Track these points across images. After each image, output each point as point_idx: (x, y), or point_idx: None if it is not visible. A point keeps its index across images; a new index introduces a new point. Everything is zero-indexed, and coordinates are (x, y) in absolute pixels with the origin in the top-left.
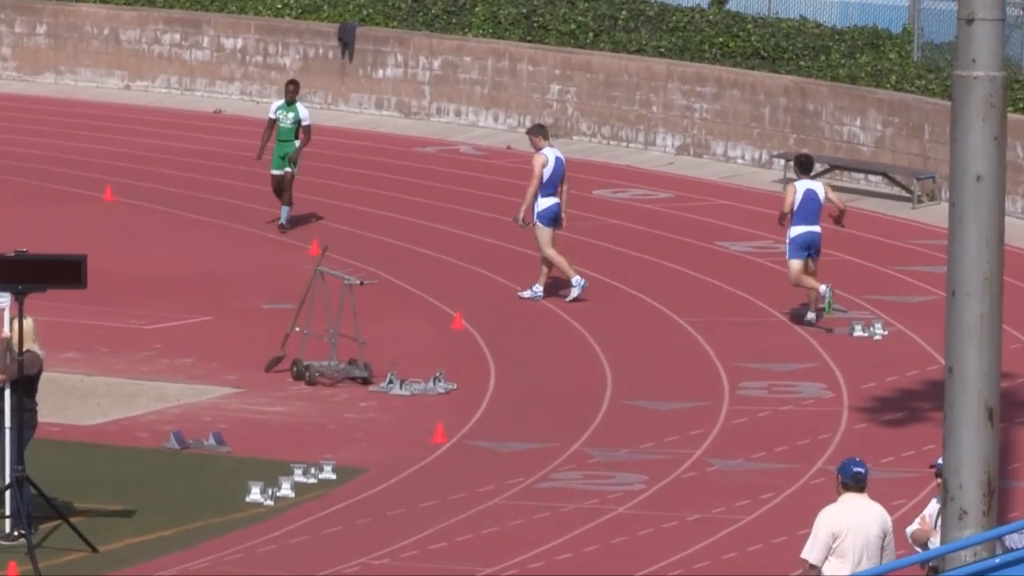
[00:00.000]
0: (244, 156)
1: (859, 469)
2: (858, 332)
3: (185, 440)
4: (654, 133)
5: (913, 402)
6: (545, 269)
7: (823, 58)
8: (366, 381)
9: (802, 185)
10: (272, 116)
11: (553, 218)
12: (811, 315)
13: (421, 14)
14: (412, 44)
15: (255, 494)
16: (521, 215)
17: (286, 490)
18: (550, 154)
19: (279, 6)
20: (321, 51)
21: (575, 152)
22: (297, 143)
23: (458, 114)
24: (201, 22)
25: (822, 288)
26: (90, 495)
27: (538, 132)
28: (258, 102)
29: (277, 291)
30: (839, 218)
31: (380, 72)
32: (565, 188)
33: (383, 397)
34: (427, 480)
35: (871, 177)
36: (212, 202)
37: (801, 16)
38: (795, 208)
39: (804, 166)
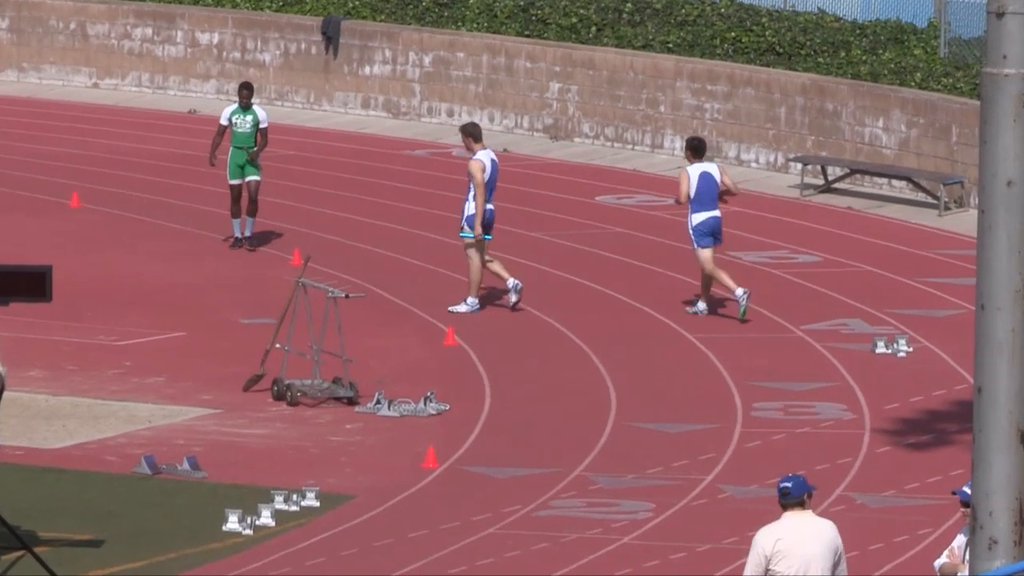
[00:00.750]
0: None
1: (785, 484)
2: (880, 349)
3: (157, 465)
4: (661, 135)
5: (940, 424)
6: (476, 279)
7: (843, 54)
8: (352, 401)
9: (696, 169)
10: (224, 122)
11: (486, 225)
12: (702, 305)
13: (411, 7)
14: (401, 39)
15: (232, 523)
16: (476, 231)
17: (266, 518)
18: (486, 158)
19: None
20: (303, 47)
21: (576, 155)
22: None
23: (451, 114)
24: (175, 16)
25: (739, 292)
26: (55, 523)
27: (471, 132)
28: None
29: (256, 304)
30: (723, 194)
31: (367, 69)
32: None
33: (370, 419)
34: (417, 508)
35: (895, 182)
36: (186, 209)
37: (820, 9)
38: (692, 194)
39: (697, 149)
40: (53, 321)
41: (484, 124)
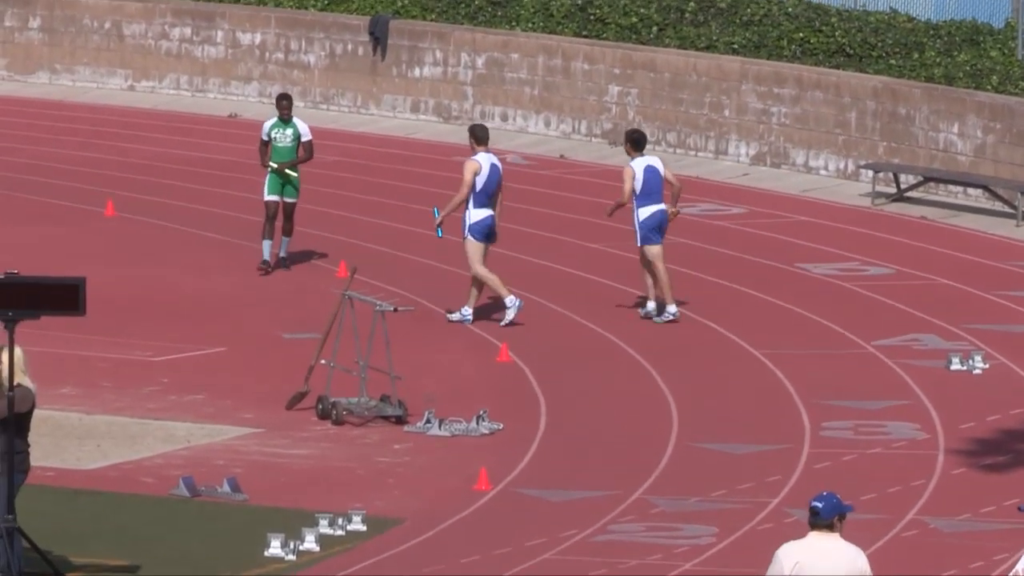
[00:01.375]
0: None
1: (816, 503)
2: (955, 365)
3: (196, 486)
4: (726, 140)
5: (1017, 444)
6: (475, 290)
7: (916, 56)
8: (400, 420)
9: (640, 163)
10: (265, 137)
11: (487, 233)
12: (651, 305)
13: (463, 5)
14: (452, 39)
15: (275, 548)
16: (438, 220)
17: (310, 543)
18: (485, 160)
19: None
20: (350, 47)
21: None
22: (293, 160)
23: (504, 118)
24: (215, 15)
25: (671, 308)
26: (89, 548)
27: (474, 133)
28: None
29: (300, 319)
30: (674, 201)
31: (416, 71)
32: (500, 199)
33: (419, 438)
34: (469, 533)
35: (970, 191)
36: (227, 218)
37: (892, 9)
38: (639, 188)
39: (638, 143)
40: (87, 336)
41: (539, 129)
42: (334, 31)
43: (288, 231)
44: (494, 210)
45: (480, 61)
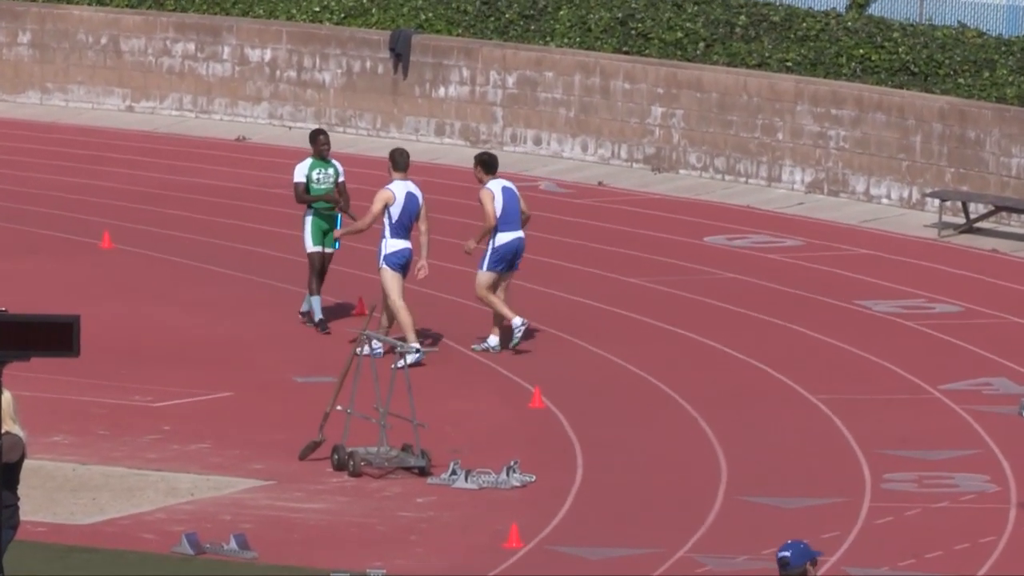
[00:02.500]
0: (273, 194)
1: (784, 553)
2: None
3: (201, 544)
4: (779, 166)
5: None
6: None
7: (987, 75)
8: (424, 472)
9: (498, 185)
10: (301, 179)
11: (403, 264)
12: (494, 340)
13: (492, 19)
14: (481, 56)
15: None
16: (337, 234)
17: None
18: (400, 189)
19: (316, 9)
20: (369, 64)
21: (682, 189)
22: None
23: (538, 142)
24: (221, 29)
25: (516, 321)
26: None
27: (395, 158)
28: (290, 127)
29: (313, 361)
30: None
31: (441, 91)
32: (425, 230)
33: (444, 491)
34: None
35: None
36: (234, 251)
37: (960, 23)
38: (498, 212)
39: (489, 164)
40: (81, 379)
41: (576, 154)
42: (351, 47)
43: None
44: (413, 242)
45: (511, 80)
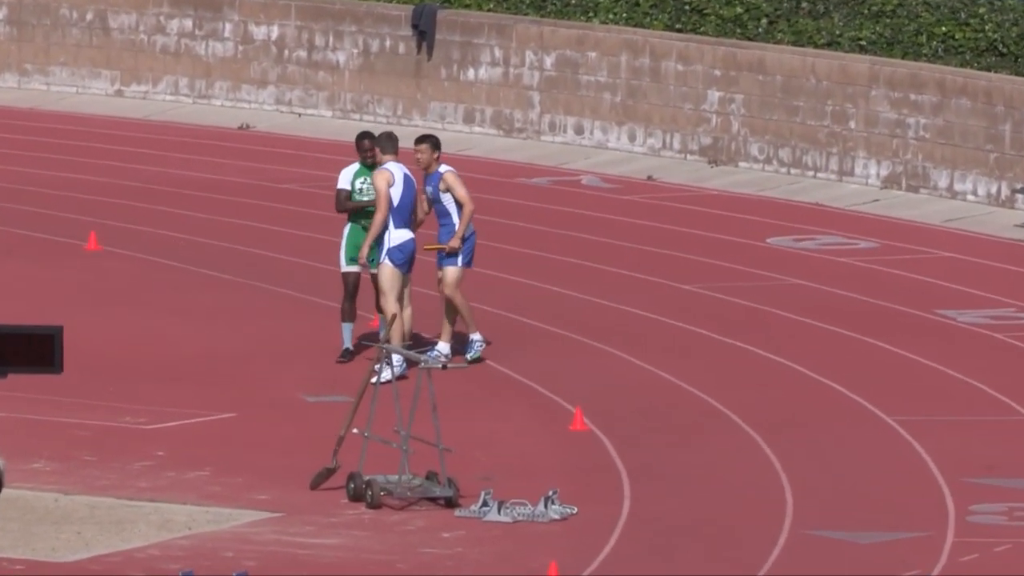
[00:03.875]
0: (280, 189)
1: None
2: None
3: None
4: (851, 158)
5: None
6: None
7: None
8: (451, 503)
9: (399, 169)
10: (346, 186)
11: (408, 259)
12: (444, 346)
13: None
14: (515, 34)
15: None
16: (364, 256)
17: None
18: (397, 171)
19: None
20: (388, 43)
21: (741, 184)
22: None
23: (579, 131)
24: (221, 4)
25: (477, 336)
26: None
27: (382, 143)
28: (300, 114)
29: (326, 378)
30: (463, 225)
31: (470, 73)
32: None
33: (474, 525)
34: None
35: None
36: (236, 254)
37: None
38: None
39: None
40: (64, 398)
41: (622, 144)
42: (369, 23)
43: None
44: (414, 232)
45: (549, 61)
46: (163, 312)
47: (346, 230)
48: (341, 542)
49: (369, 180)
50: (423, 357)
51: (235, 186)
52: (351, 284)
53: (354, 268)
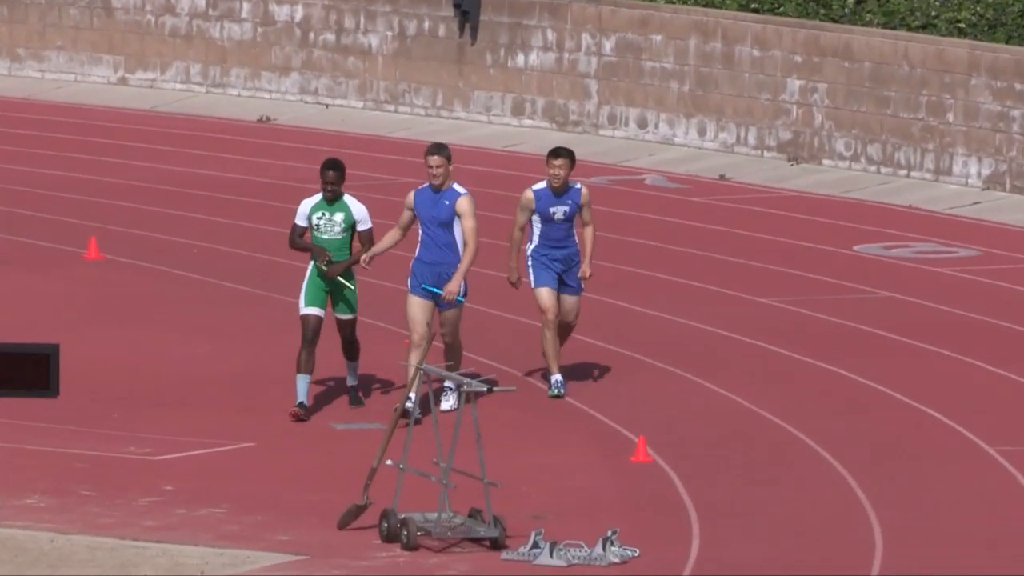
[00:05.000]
0: (304, 190)
1: None
2: None
3: None
4: (949, 155)
5: None
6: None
7: None
8: (497, 544)
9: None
10: (302, 223)
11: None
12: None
13: None
14: (570, 14)
15: None
16: (458, 291)
17: None
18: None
19: None
20: (427, 25)
21: (825, 185)
22: (343, 261)
23: (642, 124)
24: None
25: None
26: None
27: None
28: (327, 106)
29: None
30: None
31: (520, 59)
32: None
33: (524, 569)
34: None
35: None
36: (254, 262)
37: None
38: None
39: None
40: (60, 425)
41: (691, 139)
42: (405, 3)
43: (353, 353)
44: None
45: (608, 45)
46: (172, 329)
47: (309, 269)
48: None
49: (329, 216)
50: (465, 379)
51: (254, 186)
52: (311, 328)
53: (315, 311)
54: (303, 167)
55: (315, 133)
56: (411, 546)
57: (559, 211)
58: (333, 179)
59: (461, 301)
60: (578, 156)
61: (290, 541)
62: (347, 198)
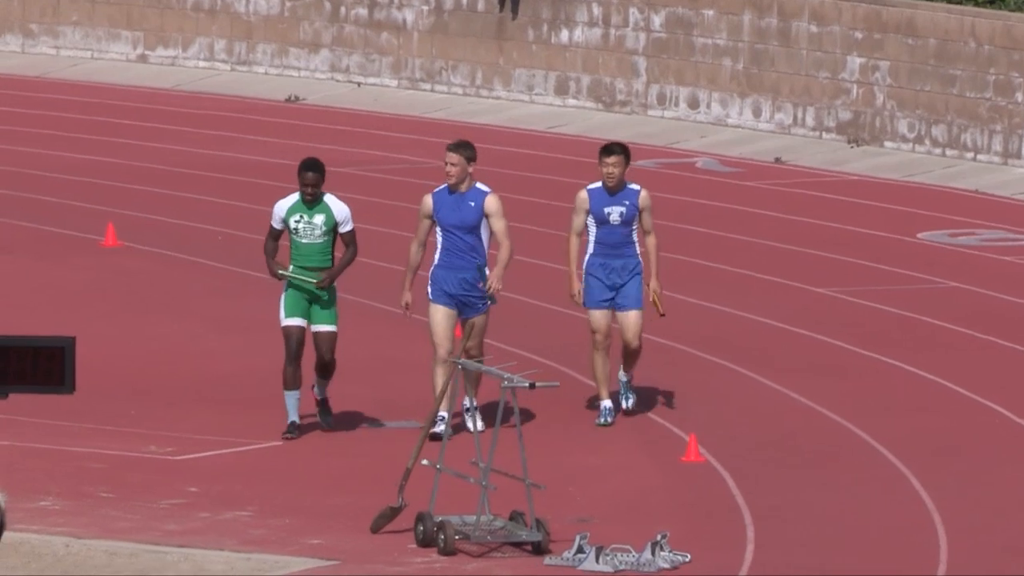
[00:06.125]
0: (335, 174)
1: None
2: None
3: None
4: (1018, 137)
5: None
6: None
7: None
8: (539, 549)
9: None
10: (277, 225)
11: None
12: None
13: None
14: None
15: None
16: (493, 286)
17: None
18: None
19: None
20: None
21: (887, 168)
22: (330, 270)
23: (693, 104)
24: None
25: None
26: None
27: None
28: (359, 84)
29: (389, 399)
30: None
31: (564, 34)
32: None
33: (568, 575)
34: None
35: None
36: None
37: None
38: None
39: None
40: (76, 423)
41: (745, 120)
42: None
43: (327, 371)
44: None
45: (657, 20)
46: (194, 320)
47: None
48: None
49: (308, 218)
50: (506, 375)
51: (281, 169)
52: (294, 341)
53: (295, 321)
54: (333, 149)
55: (346, 113)
56: (448, 551)
57: (615, 212)
58: (312, 180)
59: (488, 305)
60: (625, 137)
61: (320, 545)
62: (328, 198)
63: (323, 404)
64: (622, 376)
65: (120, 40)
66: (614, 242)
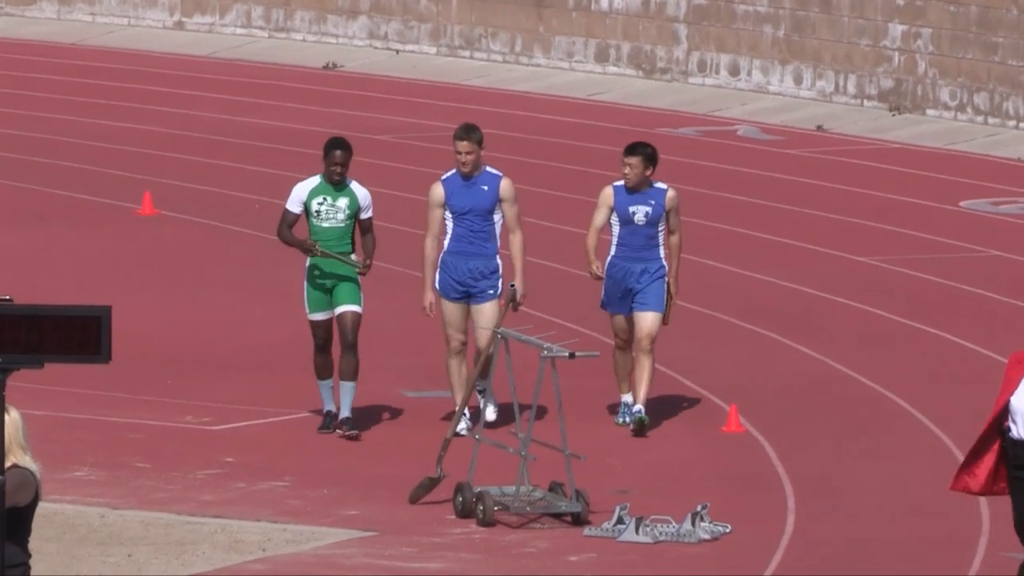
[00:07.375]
0: (373, 142)
1: None
2: None
3: None
4: None
5: None
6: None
7: None
8: (579, 520)
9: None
10: (295, 209)
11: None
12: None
13: None
14: None
15: None
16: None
17: None
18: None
19: None
20: None
21: (929, 136)
22: (354, 257)
23: (734, 72)
24: None
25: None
26: None
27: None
28: (397, 51)
29: (428, 369)
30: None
31: (603, 1)
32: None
33: (608, 546)
34: None
35: None
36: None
37: None
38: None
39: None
40: (112, 393)
41: (786, 87)
42: None
43: (351, 372)
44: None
45: None
46: (231, 289)
47: (307, 266)
48: (446, 566)
49: (332, 201)
50: (545, 344)
51: (319, 137)
52: (321, 335)
53: (321, 315)
54: (372, 117)
55: (384, 81)
56: (488, 522)
57: (640, 212)
58: (341, 159)
59: (495, 294)
60: (666, 106)
61: (357, 516)
62: (353, 183)
63: (348, 421)
64: (627, 399)
65: (157, 7)
66: (637, 245)
